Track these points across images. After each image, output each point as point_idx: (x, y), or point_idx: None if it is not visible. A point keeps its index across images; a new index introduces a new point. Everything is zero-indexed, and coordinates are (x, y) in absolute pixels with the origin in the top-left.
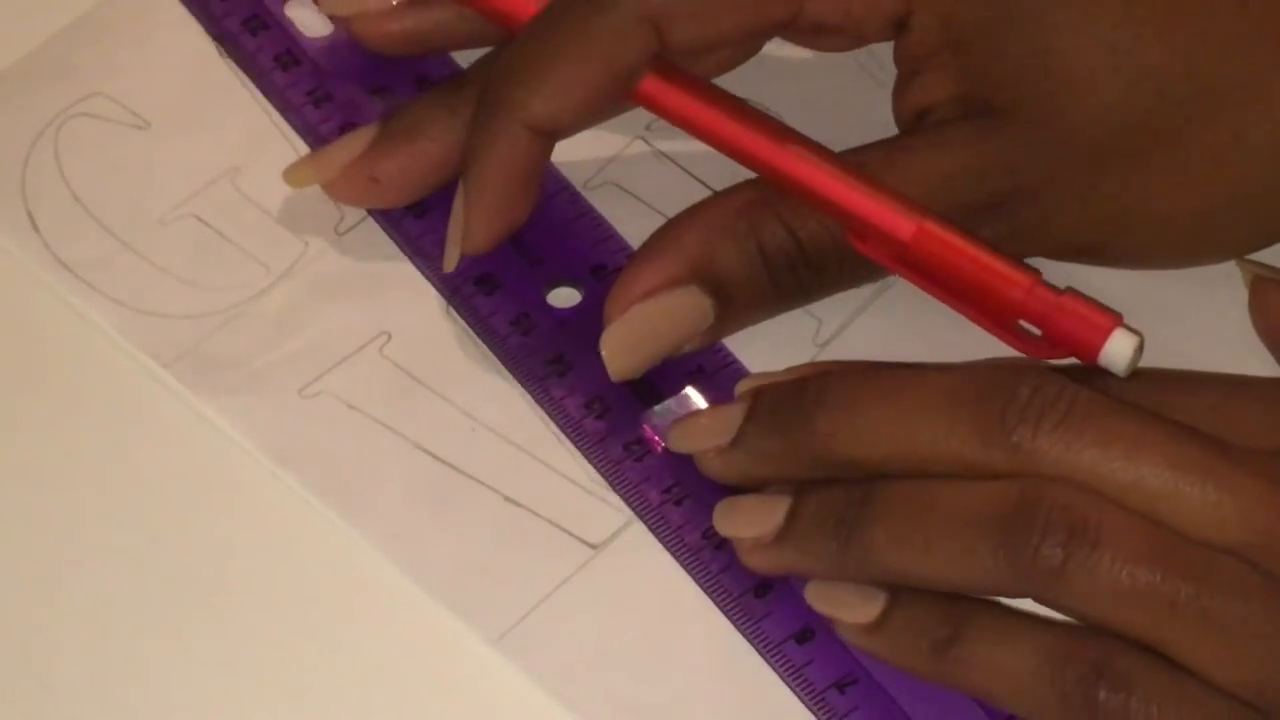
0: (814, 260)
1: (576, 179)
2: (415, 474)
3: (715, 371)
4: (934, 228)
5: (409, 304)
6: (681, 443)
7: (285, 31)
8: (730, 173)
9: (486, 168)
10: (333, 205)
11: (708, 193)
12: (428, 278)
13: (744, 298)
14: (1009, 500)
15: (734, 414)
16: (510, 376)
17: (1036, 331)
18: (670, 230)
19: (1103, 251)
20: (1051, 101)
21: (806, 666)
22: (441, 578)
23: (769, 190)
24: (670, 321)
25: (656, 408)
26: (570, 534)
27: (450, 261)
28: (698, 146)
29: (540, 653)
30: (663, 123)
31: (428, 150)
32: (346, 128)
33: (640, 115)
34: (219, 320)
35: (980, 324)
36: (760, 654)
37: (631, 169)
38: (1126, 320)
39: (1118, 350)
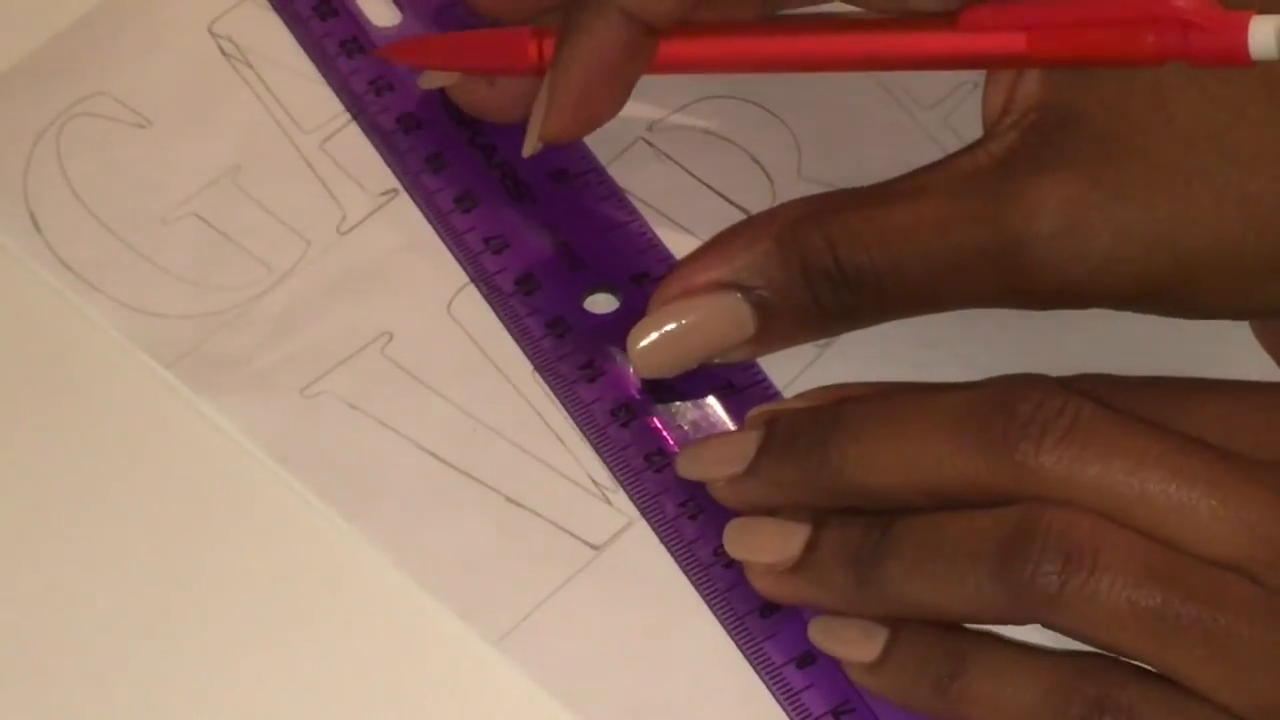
0: (853, 282)
1: None
2: (417, 474)
3: (745, 388)
4: (1042, 35)
5: (411, 304)
6: (693, 470)
7: (354, 18)
8: (735, 172)
9: (577, 50)
10: (335, 204)
11: (709, 193)
12: (460, 262)
13: (784, 313)
14: (1007, 527)
15: (748, 443)
16: (511, 377)
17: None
18: (719, 238)
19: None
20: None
21: (804, 692)
22: (443, 578)
23: (821, 204)
24: (707, 324)
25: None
26: (572, 535)
27: (530, 147)
28: (699, 146)
29: (542, 653)
30: (665, 124)
31: None
32: (404, 118)
33: (641, 116)
34: (221, 320)
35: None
36: (759, 676)
37: (632, 169)
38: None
39: (1262, 40)
